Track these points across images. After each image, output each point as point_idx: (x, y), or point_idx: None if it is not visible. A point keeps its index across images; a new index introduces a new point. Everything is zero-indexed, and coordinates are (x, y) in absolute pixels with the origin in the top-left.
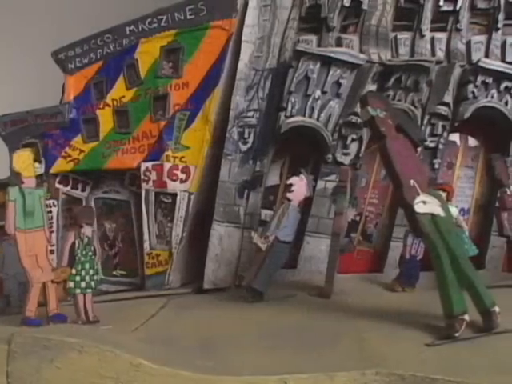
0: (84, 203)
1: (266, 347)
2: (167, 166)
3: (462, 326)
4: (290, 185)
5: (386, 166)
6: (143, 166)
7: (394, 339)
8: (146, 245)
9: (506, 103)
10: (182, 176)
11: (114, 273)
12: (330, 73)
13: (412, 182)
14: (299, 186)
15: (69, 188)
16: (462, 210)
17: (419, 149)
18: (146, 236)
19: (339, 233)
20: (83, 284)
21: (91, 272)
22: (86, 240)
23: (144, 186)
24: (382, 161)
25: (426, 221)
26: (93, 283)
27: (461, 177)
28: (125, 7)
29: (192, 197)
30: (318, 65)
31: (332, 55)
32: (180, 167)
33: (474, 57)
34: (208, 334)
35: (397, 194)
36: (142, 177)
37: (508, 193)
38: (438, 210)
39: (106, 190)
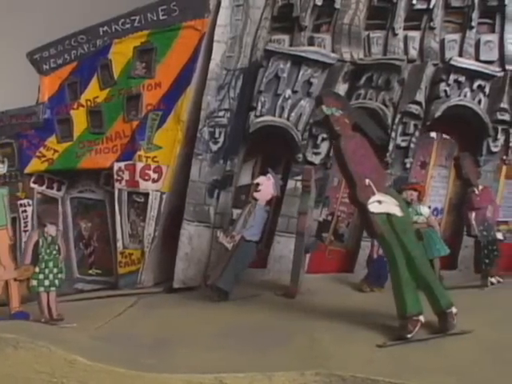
0: (60, 203)
1: (218, 346)
2: (139, 165)
3: (416, 326)
4: (257, 184)
5: (340, 165)
6: (116, 165)
7: (347, 340)
8: (119, 244)
9: (480, 102)
10: (154, 176)
11: (90, 272)
12: (301, 72)
13: (367, 181)
14: (266, 185)
15: (44, 187)
16: (435, 209)
17: (390, 148)
18: (118, 235)
19: (303, 232)
20: (47, 282)
21: (55, 270)
22: (49, 239)
23: (117, 185)
24: (336, 160)
25: (381, 220)
26: (57, 281)
27: (434, 176)
28: (102, 7)
29: (164, 196)
30: (289, 64)
31: (302, 54)
32: (152, 167)
33: (448, 55)
34: (166, 332)
35: (350, 194)
36: (115, 176)
37: (476, 192)
38: (395, 210)
39: (81, 189)
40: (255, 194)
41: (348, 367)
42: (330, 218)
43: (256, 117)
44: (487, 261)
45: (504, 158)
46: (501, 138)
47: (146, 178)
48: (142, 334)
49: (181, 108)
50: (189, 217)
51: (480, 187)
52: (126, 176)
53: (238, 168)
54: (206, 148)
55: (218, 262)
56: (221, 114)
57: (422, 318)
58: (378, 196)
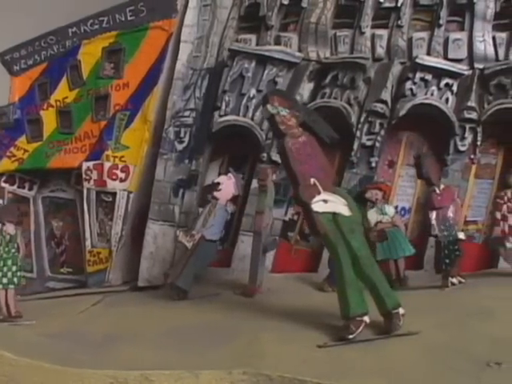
0: (31, 202)
1: (161, 344)
2: (107, 165)
3: (360, 327)
4: (218, 184)
5: (284, 164)
6: (85, 165)
7: (290, 339)
8: (88, 243)
9: (447, 100)
10: (122, 175)
11: (62, 270)
12: (266, 71)
13: (312, 180)
14: (227, 184)
15: (15, 187)
16: (403, 209)
17: (355, 147)
18: (87, 234)
19: (260, 232)
20: (5, 280)
21: (14, 268)
22: (8, 237)
23: (85, 185)
24: (280, 159)
25: (326, 220)
26: (15, 279)
27: (402, 175)
28: (72, 8)
29: (131, 196)
30: (254, 63)
31: (267, 54)
32: (120, 166)
33: (416, 53)
34: (118, 330)
35: (294, 193)
36: (84, 176)
37: (437, 191)
38: (342, 209)
39: (53, 188)
40: (216, 194)
41: (280, 367)
42: (295, 217)
43: (220, 116)
44: (448, 261)
45: (472, 157)
46: (468, 136)
47: (114, 177)
48: (94, 332)
49: (148, 108)
50: (154, 216)
51: (441, 186)
52: (95, 175)
53: (203, 167)
54: (171, 147)
55: (177, 261)
56: (186, 113)
57: (366, 318)
58: (323, 195)
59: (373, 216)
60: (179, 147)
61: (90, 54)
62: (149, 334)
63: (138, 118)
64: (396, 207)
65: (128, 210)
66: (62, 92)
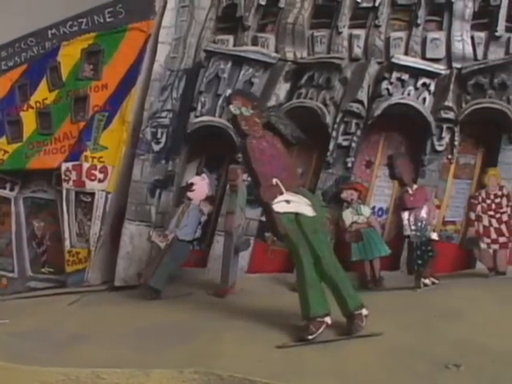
0: (13, 203)
1: (123, 343)
2: (86, 166)
3: (320, 328)
4: (191, 184)
5: (246, 165)
6: (64, 166)
7: (250, 340)
8: (67, 243)
9: (424, 100)
10: (100, 176)
11: (43, 270)
12: (242, 72)
13: (275, 180)
14: (200, 185)
15: None
16: (380, 209)
17: (331, 147)
18: (66, 234)
19: (231, 232)
20: None
21: None
22: None
23: (65, 185)
24: (242, 159)
25: (288, 220)
26: None
27: (380, 176)
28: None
29: (109, 196)
30: (230, 64)
31: (243, 54)
32: (98, 167)
33: (393, 53)
34: (86, 329)
35: (256, 193)
36: (63, 177)
37: (410, 192)
38: (306, 210)
39: (34, 189)
40: (189, 194)
41: (233, 367)
42: None
43: (196, 117)
44: (420, 262)
45: (449, 157)
46: (446, 136)
47: (92, 178)
48: (62, 331)
49: (126, 109)
50: (130, 216)
51: (414, 187)
52: (74, 176)
53: (179, 168)
54: (148, 148)
55: (151, 261)
56: (163, 114)
57: (328, 319)
58: (286, 195)
59: (348, 216)
60: (156, 148)
61: (69, 56)
62: (114, 333)
63: (116, 119)
64: (373, 208)
65: (106, 210)
66: (42, 93)
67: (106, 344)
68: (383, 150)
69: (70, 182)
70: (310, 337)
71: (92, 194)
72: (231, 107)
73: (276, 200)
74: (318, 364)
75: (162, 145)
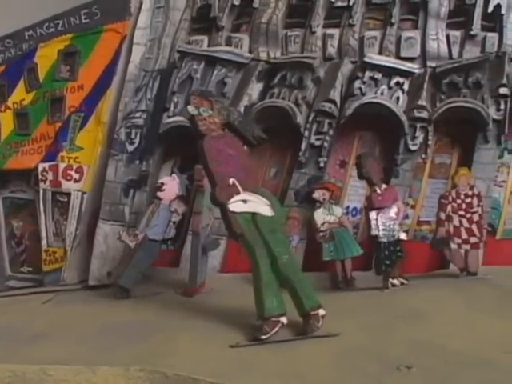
0: None
1: (80, 341)
2: (62, 166)
3: (275, 328)
4: (162, 184)
5: (203, 165)
6: (41, 166)
7: (207, 339)
8: (44, 242)
9: (398, 99)
10: (76, 176)
11: (22, 269)
12: (215, 72)
13: (232, 180)
14: (171, 185)
15: None
16: (354, 209)
17: (303, 147)
18: (43, 234)
19: (198, 232)
20: None
21: None
22: None
23: (42, 185)
24: (200, 159)
25: (244, 220)
26: None
27: (353, 175)
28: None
29: (85, 196)
30: (203, 65)
31: (215, 55)
32: (74, 167)
33: (367, 52)
34: (50, 327)
35: (211, 193)
36: (40, 177)
37: (378, 192)
38: (263, 209)
39: (13, 189)
40: (159, 194)
41: (182, 365)
42: None
43: (168, 117)
44: (388, 262)
45: (423, 156)
46: (420, 136)
47: (68, 178)
48: (29, 329)
49: (101, 110)
50: (104, 216)
51: (383, 186)
52: (50, 176)
53: (153, 168)
54: (122, 148)
55: (121, 261)
56: (137, 115)
57: (283, 319)
58: (243, 195)
59: (319, 216)
60: (130, 148)
61: (46, 57)
62: (78, 331)
63: (92, 120)
64: (347, 207)
65: (82, 210)
66: (20, 94)
67: (67, 342)
68: (357, 149)
69: (47, 182)
70: (264, 336)
71: (68, 194)
72: (189, 107)
73: (232, 200)
74: (267, 364)
75: (135, 145)
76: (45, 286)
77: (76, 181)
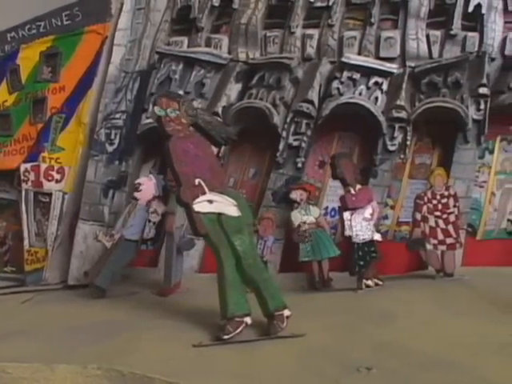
0: None
1: (45, 340)
2: (43, 166)
3: (238, 328)
4: (138, 184)
5: (169, 165)
6: (23, 166)
7: (172, 338)
8: (26, 242)
9: (377, 99)
10: (58, 176)
11: (5, 269)
12: (194, 73)
13: (197, 181)
14: (147, 185)
15: None
16: (333, 209)
17: (281, 147)
18: (25, 234)
19: (172, 232)
20: None
21: None
22: None
23: (24, 186)
24: (166, 160)
25: (209, 220)
26: None
27: None
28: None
29: (66, 196)
30: (181, 66)
31: (193, 56)
32: (55, 168)
33: (346, 52)
34: (23, 326)
35: (176, 193)
36: (22, 177)
37: (352, 192)
38: (230, 210)
39: None
40: (136, 194)
41: (141, 364)
42: None
43: (147, 118)
44: (362, 263)
45: (402, 156)
46: (398, 136)
47: (50, 178)
48: (2, 327)
49: (82, 111)
50: (84, 216)
51: (358, 187)
52: (32, 177)
53: (132, 169)
54: (102, 149)
55: (97, 261)
56: (117, 115)
57: (247, 319)
58: (209, 196)
59: (296, 217)
60: (110, 149)
61: (28, 59)
62: (47, 330)
63: (73, 121)
64: (326, 208)
65: (63, 210)
66: (2, 96)
67: (34, 340)
68: (337, 149)
69: (29, 183)
70: (226, 336)
71: (50, 195)
72: (155, 108)
73: (197, 200)
74: (226, 364)
75: (115, 146)
76: (27, 285)
77: (57, 181)
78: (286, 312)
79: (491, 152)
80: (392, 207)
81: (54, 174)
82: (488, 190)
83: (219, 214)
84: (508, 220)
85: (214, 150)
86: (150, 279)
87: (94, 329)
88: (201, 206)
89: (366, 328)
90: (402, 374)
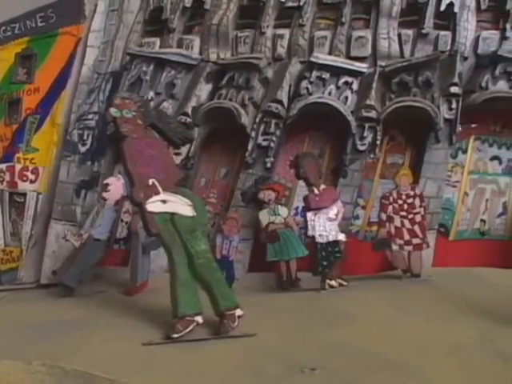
0: None
1: (6, 337)
2: (18, 167)
3: (189, 327)
4: (107, 185)
5: (123, 165)
6: None
7: (124, 336)
8: (1, 242)
9: (346, 99)
10: (32, 177)
11: None
12: (164, 74)
13: (151, 181)
14: (116, 186)
15: None
16: (303, 209)
17: (250, 147)
18: (0, 233)
19: (137, 232)
20: None
21: None
22: None
23: None
24: (121, 160)
25: (162, 220)
26: None
27: None
28: None
29: (40, 196)
30: (152, 66)
31: (163, 56)
32: (30, 168)
33: (317, 52)
34: None
35: (129, 193)
36: None
37: (315, 192)
38: (184, 210)
39: None
40: (104, 194)
41: (83, 361)
42: None
43: None
44: (325, 263)
45: (372, 156)
46: (368, 136)
47: (24, 178)
48: None
49: (56, 112)
50: (56, 216)
51: (322, 187)
52: (7, 177)
53: (105, 169)
54: (74, 150)
55: (66, 260)
56: (90, 116)
57: (199, 318)
58: (162, 196)
59: (264, 217)
60: (82, 149)
61: (4, 60)
62: (6, 328)
63: (47, 122)
64: (296, 208)
65: (37, 210)
66: None
67: None
68: (308, 149)
69: (4, 183)
70: (176, 335)
71: (24, 195)
72: (111, 110)
73: (150, 200)
74: (171, 362)
75: (87, 146)
76: (1, 284)
77: (32, 182)
78: (238, 312)
79: (464, 152)
80: (363, 207)
81: (28, 174)
82: (461, 189)
83: (173, 214)
84: (481, 220)
85: (184, 150)
86: (121, 278)
87: (52, 327)
88: (154, 205)
89: (319, 328)
90: (346, 376)
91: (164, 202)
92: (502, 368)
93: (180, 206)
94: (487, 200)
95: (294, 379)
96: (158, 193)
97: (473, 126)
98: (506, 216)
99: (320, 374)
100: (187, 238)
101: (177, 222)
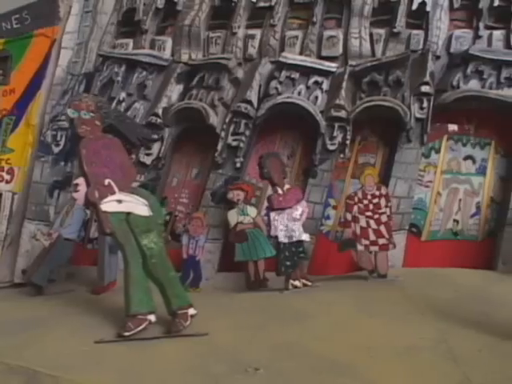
0: None
1: None
2: None
3: (140, 325)
4: (76, 185)
5: (79, 166)
6: None
7: (77, 334)
8: None
9: (316, 98)
10: (7, 177)
11: None
12: (136, 75)
13: (107, 181)
14: (85, 186)
15: None
16: (267, 209)
17: (219, 147)
18: None
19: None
20: None
21: None
22: None
23: None
24: (78, 161)
25: (116, 219)
26: None
27: None
28: None
29: (16, 196)
30: (124, 68)
31: (134, 58)
32: (5, 169)
33: (288, 52)
34: None
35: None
36: None
37: (279, 192)
38: (139, 209)
39: None
40: (74, 194)
41: (29, 358)
42: (167, 217)
43: None
44: (289, 263)
45: (342, 156)
46: (338, 135)
47: (0, 179)
48: None
49: (31, 113)
50: (30, 216)
51: (286, 187)
52: None
53: (77, 169)
54: (48, 150)
55: (35, 259)
56: (63, 117)
57: (152, 317)
58: (118, 195)
59: (233, 217)
60: (56, 150)
61: None
62: None
63: (22, 122)
64: (267, 208)
65: (13, 210)
66: None
67: None
68: (279, 149)
69: None
70: (127, 333)
71: (0, 195)
72: (68, 110)
73: (106, 200)
74: (118, 360)
75: (61, 147)
76: None
77: (7, 182)
78: (191, 311)
79: (438, 151)
80: (334, 207)
81: (4, 174)
82: (434, 189)
83: (128, 214)
84: (454, 220)
85: (155, 150)
86: (91, 277)
87: (11, 324)
88: (109, 205)
89: (272, 328)
90: (289, 376)
91: (119, 201)
92: (452, 368)
93: (136, 205)
94: (460, 200)
95: (235, 379)
96: (113, 193)
97: (446, 125)
98: (479, 216)
99: (263, 374)
100: (141, 237)
101: (131, 221)
